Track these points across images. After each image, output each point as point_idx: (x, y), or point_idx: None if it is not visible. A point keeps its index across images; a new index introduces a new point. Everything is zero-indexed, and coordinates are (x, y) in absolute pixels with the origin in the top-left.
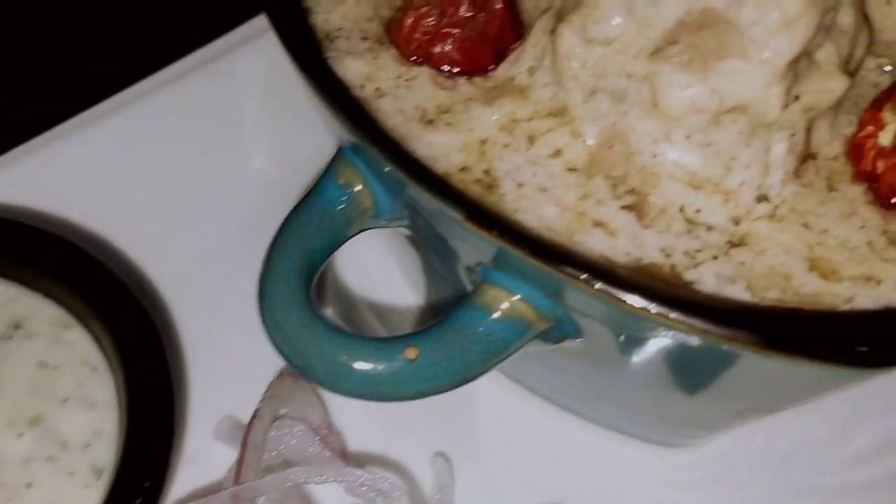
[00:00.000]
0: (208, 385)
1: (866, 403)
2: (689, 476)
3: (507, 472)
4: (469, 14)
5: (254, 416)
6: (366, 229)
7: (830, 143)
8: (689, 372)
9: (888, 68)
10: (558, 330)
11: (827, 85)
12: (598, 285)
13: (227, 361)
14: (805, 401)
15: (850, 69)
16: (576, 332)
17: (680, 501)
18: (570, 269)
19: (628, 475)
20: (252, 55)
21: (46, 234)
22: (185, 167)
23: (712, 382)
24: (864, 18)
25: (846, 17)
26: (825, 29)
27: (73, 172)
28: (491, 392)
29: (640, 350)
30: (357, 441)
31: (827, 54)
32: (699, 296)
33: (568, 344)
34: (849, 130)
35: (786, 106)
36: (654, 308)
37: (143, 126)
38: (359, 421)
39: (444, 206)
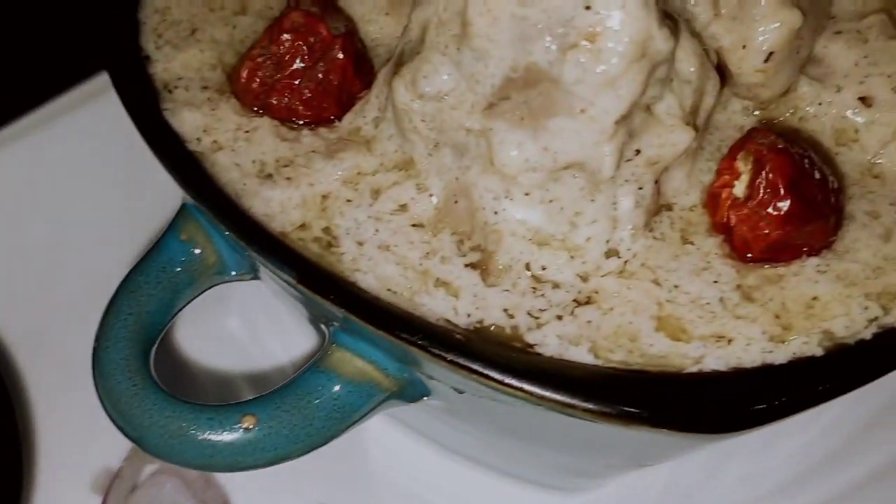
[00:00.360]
0: (70, 440)
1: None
2: None
3: None
4: (305, 65)
5: (114, 477)
6: (214, 285)
7: (688, 193)
8: (545, 431)
9: (757, 112)
10: (412, 390)
11: (669, 139)
12: (435, 351)
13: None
14: (669, 458)
15: (697, 120)
16: (430, 393)
17: None
18: (405, 336)
19: None
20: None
21: None
22: (37, 223)
23: (568, 441)
24: (715, 65)
25: (687, 67)
26: (659, 82)
27: None
28: (383, 434)
29: (495, 411)
30: (239, 494)
31: (667, 106)
32: (535, 361)
33: (429, 402)
34: (708, 179)
35: (629, 160)
36: (491, 374)
37: None
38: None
39: (277, 269)
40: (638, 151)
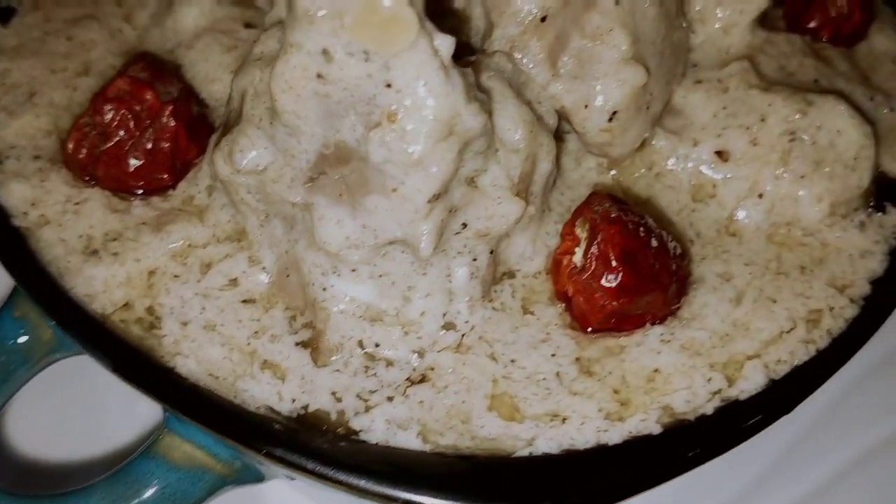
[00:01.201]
0: None
1: None
2: None
3: None
4: (131, 134)
5: None
6: (53, 363)
7: (532, 258)
8: None
9: (613, 172)
10: (248, 475)
11: (498, 211)
12: (251, 444)
13: None
14: None
15: (532, 187)
16: (264, 477)
17: None
18: (221, 428)
19: None
20: None
21: None
22: None
23: None
24: (550, 135)
25: (513, 135)
26: (480, 154)
27: None
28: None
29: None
30: None
31: (493, 178)
32: (357, 450)
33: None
34: (554, 243)
35: (457, 233)
36: (309, 466)
37: None
38: None
39: (94, 356)
40: (465, 225)
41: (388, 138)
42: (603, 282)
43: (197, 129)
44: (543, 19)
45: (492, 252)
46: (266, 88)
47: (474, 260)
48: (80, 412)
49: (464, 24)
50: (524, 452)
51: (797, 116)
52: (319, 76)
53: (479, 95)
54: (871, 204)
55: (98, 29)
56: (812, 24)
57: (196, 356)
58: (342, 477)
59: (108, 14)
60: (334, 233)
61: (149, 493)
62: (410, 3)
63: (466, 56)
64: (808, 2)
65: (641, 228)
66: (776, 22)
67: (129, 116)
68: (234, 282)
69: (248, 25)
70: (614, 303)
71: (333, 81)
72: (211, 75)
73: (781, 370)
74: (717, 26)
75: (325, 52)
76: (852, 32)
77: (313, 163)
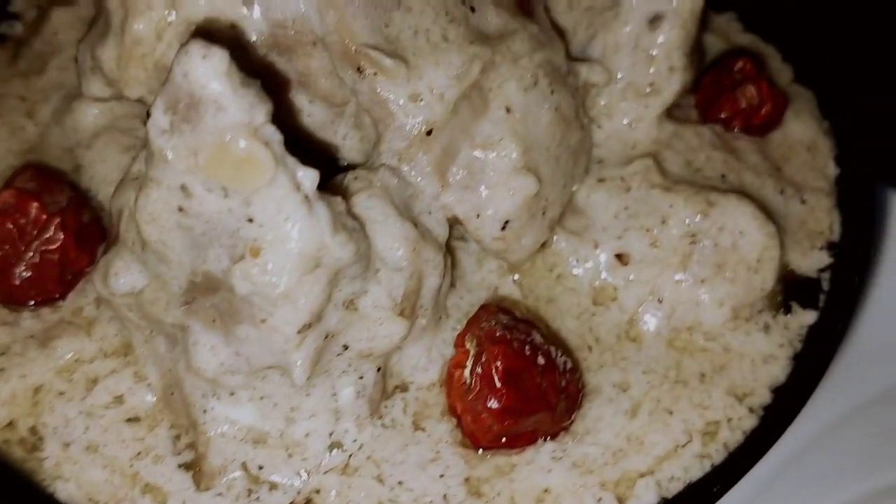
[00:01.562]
0: None
1: None
2: None
3: None
4: (17, 248)
5: None
6: None
7: (427, 369)
8: None
9: (517, 276)
10: None
11: (380, 332)
12: None
13: None
14: None
15: (420, 301)
16: None
17: None
18: None
19: None
20: None
21: None
22: None
23: None
24: (440, 247)
25: (394, 254)
26: (358, 278)
27: None
28: None
29: None
30: None
31: (373, 300)
32: None
33: None
34: (450, 352)
35: (339, 354)
36: None
37: None
38: None
39: None
40: (346, 346)
41: (252, 272)
42: (488, 404)
43: (88, 237)
44: (429, 132)
45: (379, 369)
46: (139, 225)
47: (360, 378)
48: None
49: (351, 132)
50: None
51: (698, 218)
52: (181, 209)
53: (350, 223)
54: (778, 304)
55: (2, 124)
56: (723, 115)
57: (77, 479)
58: None
59: (11, 109)
60: (208, 359)
61: None
62: (266, 143)
63: (348, 170)
64: (719, 91)
65: (528, 346)
66: (689, 111)
67: (14, 230)
68: (119, 399)
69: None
70: (499, 425)
71: (195, 215)
72: (108, 176)
73: (674, 488)
74: (623, 122)
75: (183, 187)
76: (764, 122)
77: (185, 289)
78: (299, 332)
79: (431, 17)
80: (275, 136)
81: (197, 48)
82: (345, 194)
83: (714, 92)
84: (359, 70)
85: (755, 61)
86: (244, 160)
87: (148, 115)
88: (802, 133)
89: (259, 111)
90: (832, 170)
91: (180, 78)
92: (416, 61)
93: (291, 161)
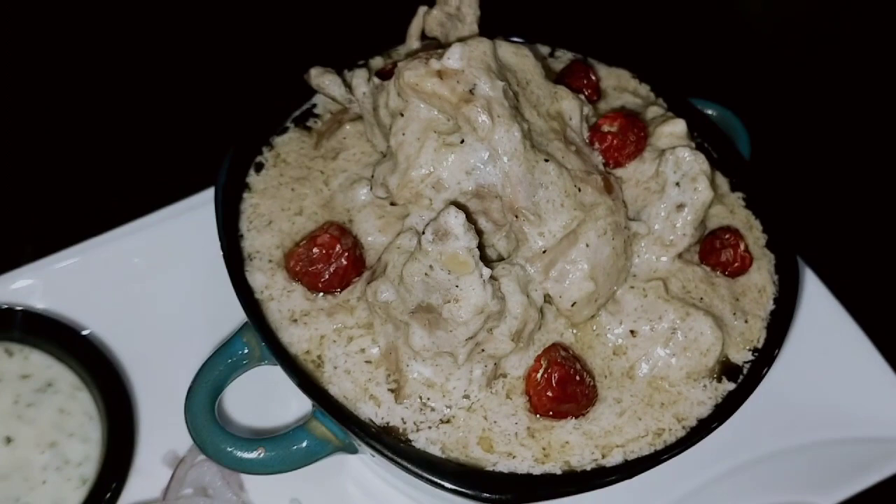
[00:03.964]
0: (160, 429)
1: None
2: None
3: None
4: (325, 264)
5: (181, 460)
6: (254, 368)
7: (518, 369)
8: (420, 485)
9: (574, 331)
10: (351, 448)
11: (500, 347)
12: (359, 436)
13: (174, 417)
14: None
15: (524, 333)
16: (358, 451)
17: None
18: (346, 425)
19: None
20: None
21: (71, 329)
22: (153, 281)
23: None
24: (537, 308)
25: (515, 309)
26: (496, 317)
27: (87, 282)
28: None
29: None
30: (250, 480)
31: (500, 331)
32: (408, 449)
33: (361, 455)
34: (530, 363)
35: (479, 352)
36: (384, 451)
37: (134, 252)
38: None
39: (289, 375)
40: (483, 350)
41: (452, 309)
42: (546, 393)
43: (358, 263)
44: (544, 252)
45: (496, 364)
46: (400, 274)
47: (485, 366)
48: (267, 400)
49: (503, 241)
50: (491, 469)
51: (679, 321)
52: (426, 274)
53: (498, 294)
54: (715, 376)
55: (309, 186)
56: (712, 262)
57: (339, 386)
58: (399, 460)
59: (315, 178)
60: (417, 342)
61: (297, 448)
62: (473, 256)
63: (497, 262)
64: (712, 249)
65: (572, 369)
66: (693, 256)
67: (326, 255)
68: (362, 350)
69: (392, 204)
70: (549, 405)
71: (432, 278)
72: (368, 232)
73: (632, 456)
74: (651, 258)
75: (430, 266)
76: (735, 272)
77: (414, 306)
78: (467, 339)
79: (557, 194)
80: (476, 252)
81: (453, 209)
82: (495, 276)
83: (709, 248)
84: (515, 216)
85: (737, 234)
86: (461, 262)
87: (435, 235)
88: (758, 281)
89: (472, 240)
90: (769, 307)
91: (443, 221)
92: (545, 216)
93: (481, 264)
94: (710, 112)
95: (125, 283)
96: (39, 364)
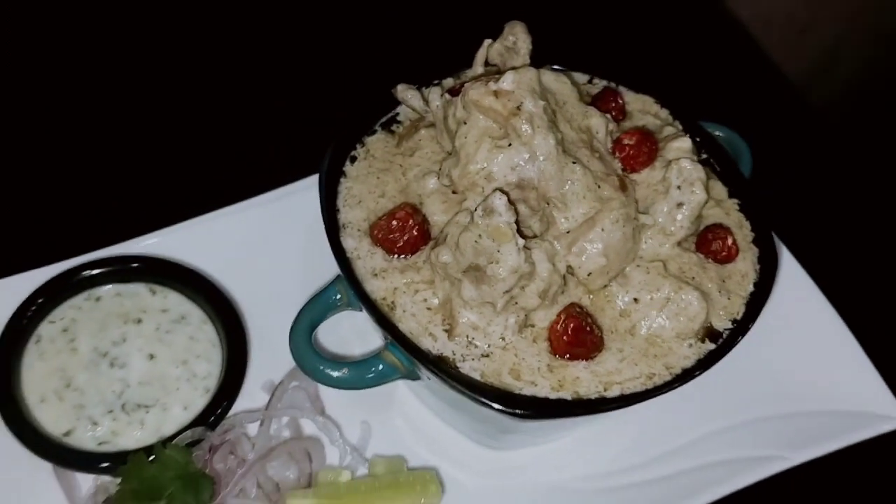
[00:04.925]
0: (263, 361)
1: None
2: (484, 467)
3: (400, 435)
4: (400, 234)
5: (279, 384)
6: (345, 311)
7: (543, 321)
8: (466, 406)
9: (590, 296)
10: (414, 374)
11: (530, 301)
12: (422, 362)
13: (274, 353)
14: (532, 437)
15: (548, 293)
16: (420, 378)
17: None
18: (412, 354)
19: (463, 460)
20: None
21: (201, 276)
22: (266, 245)
23: (479, 415)
24: (560, 275)
25: (542, 272)
26: (526, 277)
27: (217, 242)
28: (401, 394)
29: (447, 391)
30: (330, 405)
31: (531, 288)
32: (458, 374)
33: (421, 381)
34: (553, 317)
35: (514, 304)
36: (441, 375)
37: (255, 221)
38: (334, 397)
39: (371, 315)
40: (516, 303)
41: (494, 269)
42: (563, 338)
43: (425, 235)
44: (568, 232)
45: (526, 315)
46: (456, 241)
47: (517, 316)
48: (351, 335)
49: (537, 223)
50: (518, 392)
51: (673, 293)
52: (476, 242)
53: (530, 260)
54: (699, 338)
55: (390, 176)
56: (706, 251)
57: (406, 324)
58: (449, 381)
59: (395, 170)
60: (467, 294)
61: (372, 369)
62: (511, 227)
63: (532, 238)
64: (706, 240)
65: (585, 322)
66: (690, 244)
67: (401, 227)
68: (425, 300)
69: (453, 192)
70: (566, 349)
71: (480, 245)
72: (434, 213)
73: (628, 391)
74: (655, 244)
75: (479, 236)
76: (725, 259)
77: (466, 266)
78: (504, 292)
79: (580, 188)
80: (514, 226)
81: (498, 193)
82: (528, 247)
83: (703, 240)
84: (547, 203)
85: (727, 230)
86: (503, 233)
87: (484, 212)
88: (742, 268)
89: (511, 216)
90: (749, 289)
91: (490, 202)
92: (570, 205)
93: (517, 236)
94: (718, 133)
95: (245, 244)
96: (175, 301)
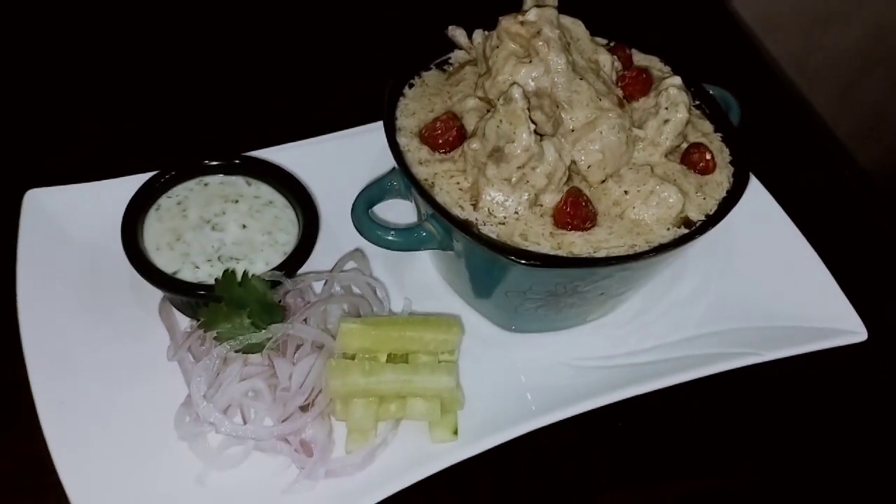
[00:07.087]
0: (329, 243)
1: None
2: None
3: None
4: (443, 132)
5: (339, 259)
6: (396, 198)
7: (550, 203)
8: (489, 272)
9: (591, 188)
10: (447, 244)
11: (538, 181)
12: (451, 222)
13: (338, 237)
14: (544, 296)
15: (555, 178)
16: (453, 248)
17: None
18: (447, 217)
19: (482, 335)
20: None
21: (287, 172)
22: (340, 164)
23: (502, 280)
24: (565, 164)
25: (549, 157)
26: (536, 158)
27: (310, 161)
28: (435, 281)
29: (474, 256)
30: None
31: (540, 170)
32: (480, 233)
33: (454, 250)
34: (559, 197)
35: (525, 183)
36: (467, 234)
37: (341, 152)
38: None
39: (416, 190)
40: (528, 181)
41: (511, 147)
42: (564, 209)
43: (462, 137)
44: (572, 130)
45: (536, 195)
46: (483, 132)
47: (528, 193)
48: (399, 216)
49: (549, 124)
50: (525, 248)
51: (657, 187)
52: (497, 126)
53: (539, 143)
54: (676, 224)
55: (439, 99)
56: (688, 163)
57: (441, 198)
58: (473, 240)
59: (444, 95)
60: (490, 173)
61: (416, 234)
62: (526, 115)
63: (542, 136)
64: (689, 154)
65: (582, 199)
66: (676, 157)
67: (444, 127)
68: (458, 184)
69: (488, 111)
70: (566, 220)
71: (501, 129)
72: (469, 125)
73: (612, 254)
74: (645, 153)
75: (500, 122)
76: (703, 171)
77: (489, 150)
78: (517, 168)
79: (584, 98)
80: (527, 112)
81: (516, 85)
82: (540, 136)
83: (686, 154)
84: (556, 106)
85: (707, 148)
86: (518, 116)
87: (504, 100)
88: (719, 179)
89: (525, 103)
90: (722, 194)
91: (509, 92)
92: (575, 109)
93: (529, 120)
94: (711, 92)
95: (322, 166)
96: (266, 191)
